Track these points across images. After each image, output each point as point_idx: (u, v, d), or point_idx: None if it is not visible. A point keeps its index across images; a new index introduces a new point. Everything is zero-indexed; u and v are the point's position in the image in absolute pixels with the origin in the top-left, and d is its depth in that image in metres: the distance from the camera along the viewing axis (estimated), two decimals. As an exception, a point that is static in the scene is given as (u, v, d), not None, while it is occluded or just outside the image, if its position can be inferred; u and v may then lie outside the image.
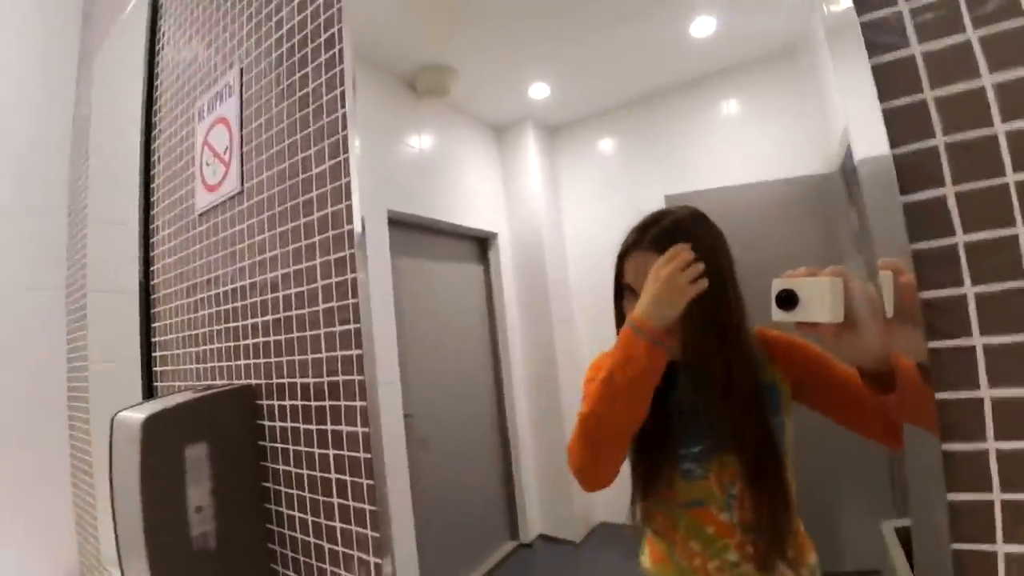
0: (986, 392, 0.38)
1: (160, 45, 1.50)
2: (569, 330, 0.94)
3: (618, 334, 0.58)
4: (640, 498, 0.64)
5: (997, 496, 0.37)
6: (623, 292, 0.62)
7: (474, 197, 1.04)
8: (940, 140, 0.40)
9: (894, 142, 0.42)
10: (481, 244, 1.02)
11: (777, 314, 0.46)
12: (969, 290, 0.39)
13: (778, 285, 0.46)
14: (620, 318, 0.63)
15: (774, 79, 0.67)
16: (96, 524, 1.67)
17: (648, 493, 0.63)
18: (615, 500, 0.66)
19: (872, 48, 0.43)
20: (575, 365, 0.91)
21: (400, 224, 0.96)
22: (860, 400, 0.48)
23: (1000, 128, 0.38)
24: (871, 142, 0.43)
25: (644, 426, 0.59)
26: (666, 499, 0.63)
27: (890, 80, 0.42)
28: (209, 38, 1.25)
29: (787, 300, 0.45)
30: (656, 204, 0.65)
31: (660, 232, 0.59)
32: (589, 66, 0.90)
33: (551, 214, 0.93)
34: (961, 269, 0.39)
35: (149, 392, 1.37)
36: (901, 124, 0.42)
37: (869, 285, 0.43)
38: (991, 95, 0.39)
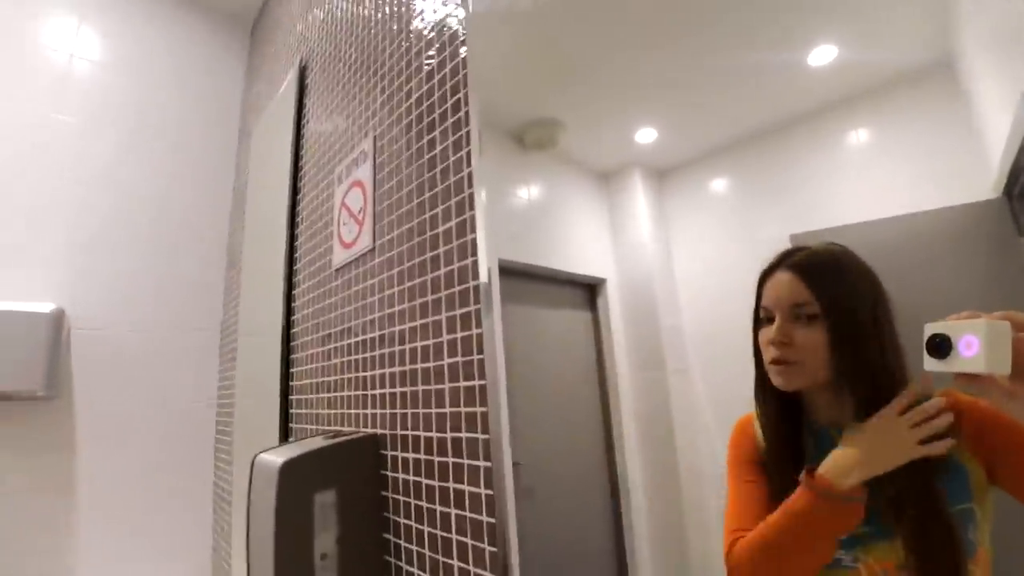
0: None
1: (305, 120, 1.71)
2: (685, 381, 0.88)
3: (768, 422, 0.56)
4: None
5: None
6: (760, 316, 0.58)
7: (581, 243, 1.03)
8: None
9: None
10: (589, 290, 1.01)
11: (929, 363, 0.39)
12: None
13: (930, 330, 0.38)
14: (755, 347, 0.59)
15: (906, 105, 0.60)
16: (230, 552, 1.80)
17: None
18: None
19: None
20: (692, 422, 0.84)
21: (509, 272, 0.98)
22: None
23: None
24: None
25: None
26: None
27: None
28: (347, 111, 1.39)
29: (939, 347, 0.37)
30: (780, 244, 0.60)
31: (806, 256, 0.54)
32: (697, 106, 0.87)
33: (661, 258, 0.90)
34: None
35: (285, 432, 1.47)
36: None
37: None
38: None
